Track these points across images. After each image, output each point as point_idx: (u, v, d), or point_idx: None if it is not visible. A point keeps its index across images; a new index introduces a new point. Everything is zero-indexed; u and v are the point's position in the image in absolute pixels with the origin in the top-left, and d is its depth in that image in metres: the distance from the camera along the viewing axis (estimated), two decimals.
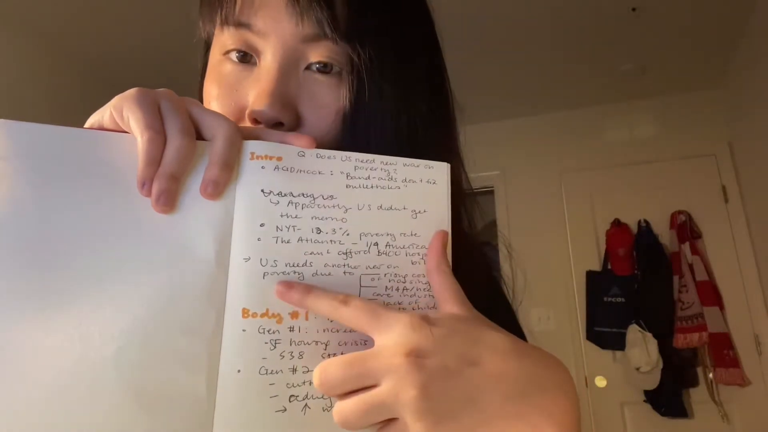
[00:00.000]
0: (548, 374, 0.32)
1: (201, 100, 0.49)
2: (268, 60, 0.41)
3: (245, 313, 0.32)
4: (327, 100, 0.42)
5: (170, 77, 1.63)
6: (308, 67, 0.42)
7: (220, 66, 0.44)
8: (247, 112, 0.41)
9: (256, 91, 0.41)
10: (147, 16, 2.06)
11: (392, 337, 0.30)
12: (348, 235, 0.35)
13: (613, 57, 2.39)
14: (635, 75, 2.52)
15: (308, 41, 0.41)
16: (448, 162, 0.39)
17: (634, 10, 2.07)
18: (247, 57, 0.43)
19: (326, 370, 0.31)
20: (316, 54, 0.41)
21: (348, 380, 0.30)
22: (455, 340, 0.31)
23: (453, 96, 0.50)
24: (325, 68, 0.42)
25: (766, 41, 2.07)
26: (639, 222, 2.57)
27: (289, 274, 0.34)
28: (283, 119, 0.40)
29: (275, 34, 0.41)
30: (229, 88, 0.43)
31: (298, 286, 0.33)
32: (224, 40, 0.43)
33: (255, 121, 0.40)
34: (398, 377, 0.29)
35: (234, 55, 0.43)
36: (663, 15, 2.11)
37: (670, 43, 2.30)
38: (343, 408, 0.30)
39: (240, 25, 0.42)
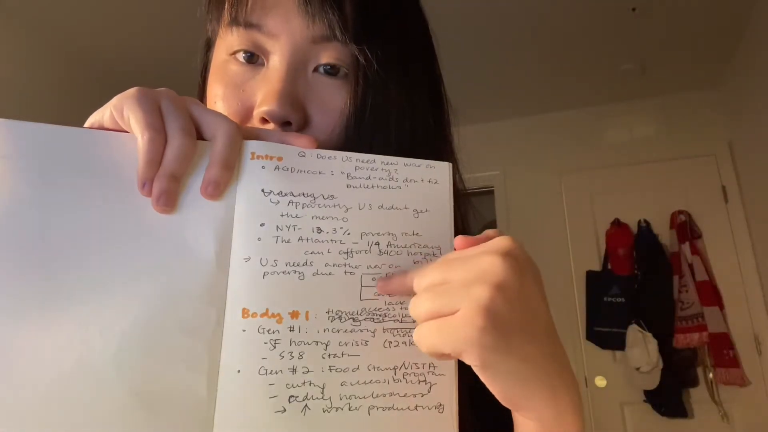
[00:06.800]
0: (565, 356, 0.34)
1: (200, 98, 0.49)
2: (277, 60, 0.42)
3: (245, 313, 0.32)
4: (335, 102, 0.42)
5: (163, 71, 1.64)
6: (316, 69, 0.42)
7: (226, 66, 0.44)
8: (255, 111, 0.41)
9: (264, 91, 0.41)
10: (140, 9, 2.06)
11: (487, 246, 0.32)
12: (349, 234, 0.35)
13: (613, 57, 2.39)
14: (635, 75, 2.52)
15: (317, 42, 0.41)
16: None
17: (634, 10, 2.07)
18: (254, 58, 0.43)
19: (425, 272, 0.32)
20: (325, 56, 0.42)
21: (435, 278, 0.31)
22: (532, 270, 0.32)
23: (448, 99, 0.51)
24: (333, 70, 0.42)
25: (767, 41, 2.07)
26: (639, 222, 2.57)
27: (289, 273, 0.34)
28: (291, 119, 0.40)
29: (286, 34, 0.41)
30: (235, 88, 0.43)
31: (394, 275, 0.35)
32: (231, 40, 0.43)
33: (263, 120, 0.41)
34: (478, 272, 0.30)
35: (241, 56, 0.43)
36: (663, 15, 2.11)
37: (670, 43, 2.29)
38: (414, 298, 0.32)
39: (250, 25, 0.42)
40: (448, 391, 0.35)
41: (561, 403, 0.32)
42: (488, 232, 0.34)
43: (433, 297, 0.30)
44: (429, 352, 0.31)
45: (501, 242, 0.31)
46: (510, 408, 0.33)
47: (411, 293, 0.33)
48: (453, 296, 0.30)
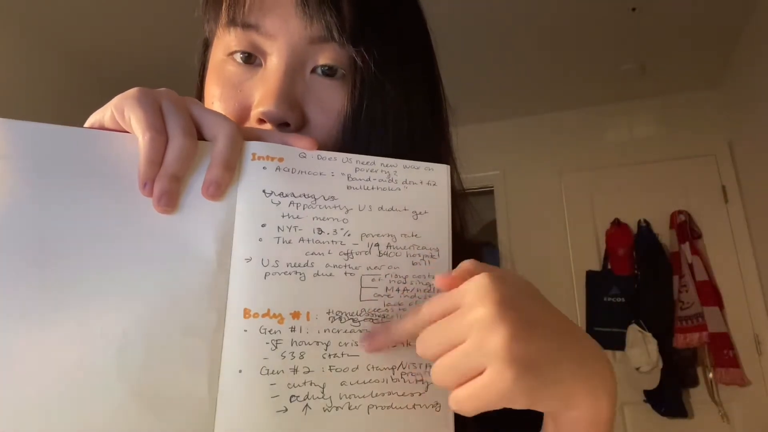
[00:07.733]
0: (590, 342, 0.33)
1: (198, 98, 0.49)
2: (275, 61, 0.42)
3: (247, 313, 0.32)
4: (333, 103, 0.42)
5: (163, 71, 1.64)
6: (314, 70, 0.42)
7: (223, 66, 0.44)
8: (253, 112, 0.41)
9: (262, 92, 0.41)
10: (140, 10, 2.06)
11: (473, 294, 0.30)
12: (349, 235, 0.35)
13: (613, 57, 2.39)
14: (635, 75, 2.52)
15: (315, 43, 0.41)
16: (442, 163, 0.39)
17: (634, 10, 2.07)
18: (251, 58, 0.43)
19: (423, 339, 0.32)
20: (323, 57, 0.42)
21: (441, 343, 0.31)
22: (522, 292, 0.32)
23: (446, 98, 0.51)
24: (330, 71, 0.42)
25: (766, 41, 2.07)
26: (639, 222, 2.57)
27: (290, 274, 0.34)
28: (289, 119, 0.40)
29: (283, 35, 0.41)
30: (232, 89, 0.43)
31: (378, 331, 0.34)
32: (229, 40, 0.43)
33: (261, 120, 0.41)
34: (482, 327, 0.29)
35: (238, 56, 0.43)
36: (663, 15, 2.11)
37: (670, 43, 2.30)
38: (435, 368, 0.31)
39: (248, 26, 0.42)
40: (444, 390, 0.35)
41: (599, 401, 0.32)
42: (464, 265, 0.33)
43: (454, 365, 0.30)
44: (475, 413, 0.30)
45: (483, 285, 0.30)
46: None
47: (398, 344, 0.33)
48: (473, 359, 0.29)
